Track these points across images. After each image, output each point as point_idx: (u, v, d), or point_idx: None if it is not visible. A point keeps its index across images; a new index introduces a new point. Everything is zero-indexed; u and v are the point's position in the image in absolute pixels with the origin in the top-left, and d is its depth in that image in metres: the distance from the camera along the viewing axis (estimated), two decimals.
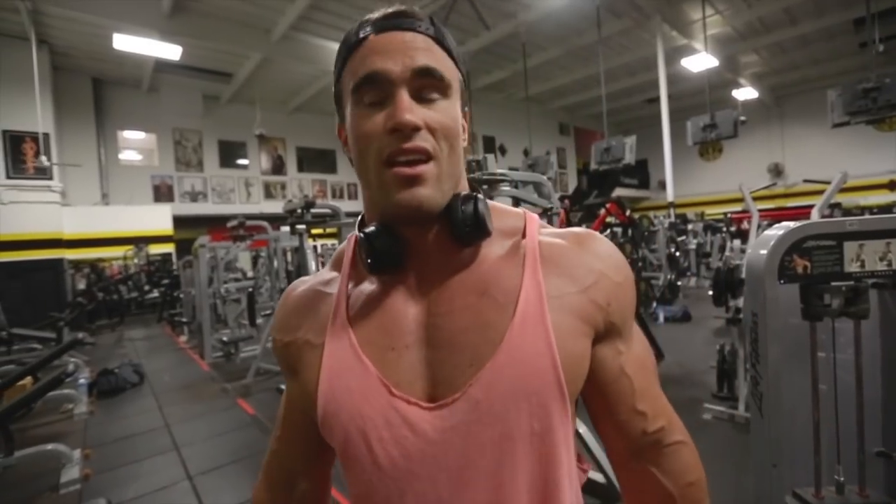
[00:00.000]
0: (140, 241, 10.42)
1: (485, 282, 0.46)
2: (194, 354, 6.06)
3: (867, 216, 1.26)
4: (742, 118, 7.01)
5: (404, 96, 0.42)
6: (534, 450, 0.43)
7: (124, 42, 7.59)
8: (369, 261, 0.47)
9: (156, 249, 10.70)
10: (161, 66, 9.73)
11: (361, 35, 0.45)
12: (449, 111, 0.45)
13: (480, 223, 0.45)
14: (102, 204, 10.63)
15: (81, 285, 9.33)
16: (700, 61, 9.28)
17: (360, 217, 0.53)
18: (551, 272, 0.47)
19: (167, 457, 3.04)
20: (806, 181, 4.52)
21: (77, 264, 9.52)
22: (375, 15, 0.45)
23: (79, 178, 10.12)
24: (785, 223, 1.27)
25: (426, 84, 0.43)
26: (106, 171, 10.97)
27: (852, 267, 1.22)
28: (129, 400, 4.33)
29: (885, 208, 9.07)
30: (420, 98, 0.43)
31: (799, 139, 13.67)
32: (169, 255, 10.91)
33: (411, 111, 0.42)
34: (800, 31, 9.57)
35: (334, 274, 0.54)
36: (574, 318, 0.45)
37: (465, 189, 0.49)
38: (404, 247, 0.47)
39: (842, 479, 1.26)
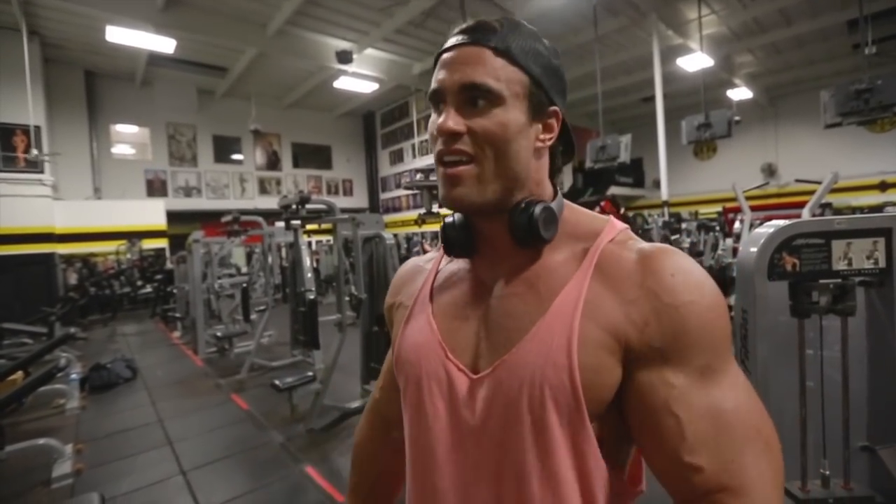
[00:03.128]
0: (133, 236, 10.33)
1: (537, 275, 0.51)
2: (188, 350, 6.03)
3: (856, 216, 1.28)
4: (736, 118, 7.06)
5: (450, 107, 0.48)
6: (538, 438, 0.45)
7: (117, 34, 7.49)
8: (443, 245, 0.57)
9: (149, 244, 10.61)
10: (155, 59, 9.63)
11: (441, 51, 0.51)
12: (497, 118, 0.48)
13: (533, 230, 0.49)
14: (95, 198, 10.54)
15: (73, 280, 9.24)
16: (695, 61, 9.31)
17: None
18: (599, 280, 0.47)
19: (160, 452, 3.04)
20: (798, 181, 4.58)
21: (69, 259, 9.43)
22: (454, 30, 0.51)
23: (71, 171, 10.02)
24: (775, 222, 1.29)
25: (472, 97, 0.48)
26: (98, 165, 10.86)
27: (840, 265, 1.24)
28: (122, 395, 4.31)
29: (876, 209, 9.17)
30: (472, 105, 0.48)
31: (792, 139, 13.77)
32: (162, 250, 10.83)
33: (452, 119, 0.48)
34: (794, 32, 9.62)
35: (437, 254, 0.65)
36: (601, 328, 0.45)
37: (541, 190, 0.53)
38: (474, 238, 0.55)
39: (827, 472, 1.28)
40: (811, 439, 1.30)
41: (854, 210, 10.16)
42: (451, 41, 0.50)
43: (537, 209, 0.49)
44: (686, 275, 0.46)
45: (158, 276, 9.21)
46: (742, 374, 0.47)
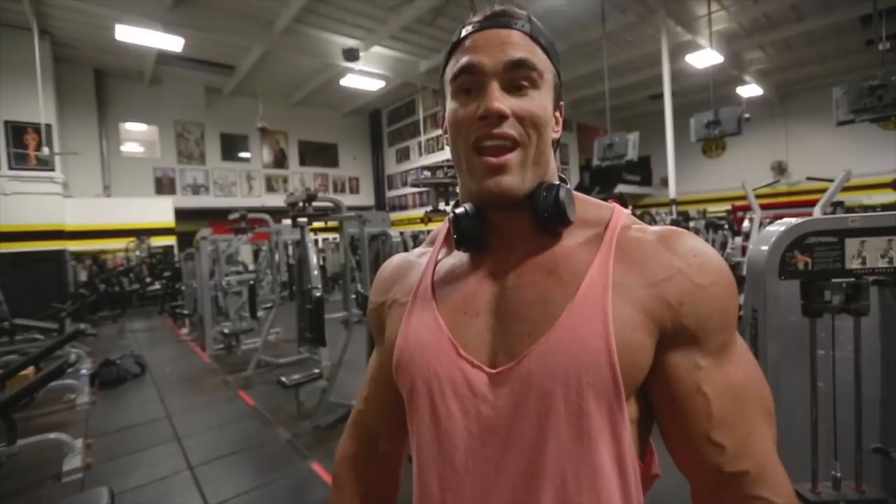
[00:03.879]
0: (142, 234, 10.44)
1: (555, 261, 0.49)
2: (195, 346, 6.09)
3: (870, 213, 1.26)
4: (746, 115, 6.97)
5: (495, 86, 0.46)
6: (577, 427, 0.43)
7: (126, 33, 7.56)
8: (456, 237, 0.52)
9: (157, 242, 10.72)
10: (163, 57, 9.71)
11: (463, 34, 0.50)
12: (538, 101, 0.48)
13: (560, 211, 0.48)
14: (104, 196, 10.65)
15: (83, 277, 9.36)
16: (705, 57, 9.21)
17: (457, 200, 0.57)
18: (622, 261, 0.47)
19: (168, 447, 3.06)
20: (809, 179, 4.52)
21: (79, 256, 9.55)
22: (477, 16, 0.50)
23: (81, 169, 10.13)
24: (787, 219, 1.27)
25: (518, 75, 0.47)
26: (108, 163, 10.98)
27: (853, 264, 1.22)
28: (131, 391, 4.36)
29: (889, 207, 9.03)
30: (511, 88, 0.47)
31: (803, 137, 13.59)
32: (171, 247, 10.93)
33: (500, 100, 0.46)
34: (806, 28, 9.48)
35: (427, 249, 0.61)
36: (636, 309, 0.44)
37: (553, 178, 0.52)
38: (489, 229, 0.52)
39: (839, 474, 1.26)
40: (822, 441, 1.28)
41: (866, 209, 10.01)
42: (476, 25, 0.49)
43: (561, 191, 0.48)
44: (705, 256, 0.47)
45: (167, 274, 9.30)
46: (741, 340, 0.48)
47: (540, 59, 0.48)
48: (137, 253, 10.36)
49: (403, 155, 15.13)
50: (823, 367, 1.32)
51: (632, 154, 7.18)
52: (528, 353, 0.45)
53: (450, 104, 0.50)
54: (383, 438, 0.63)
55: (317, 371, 3.58)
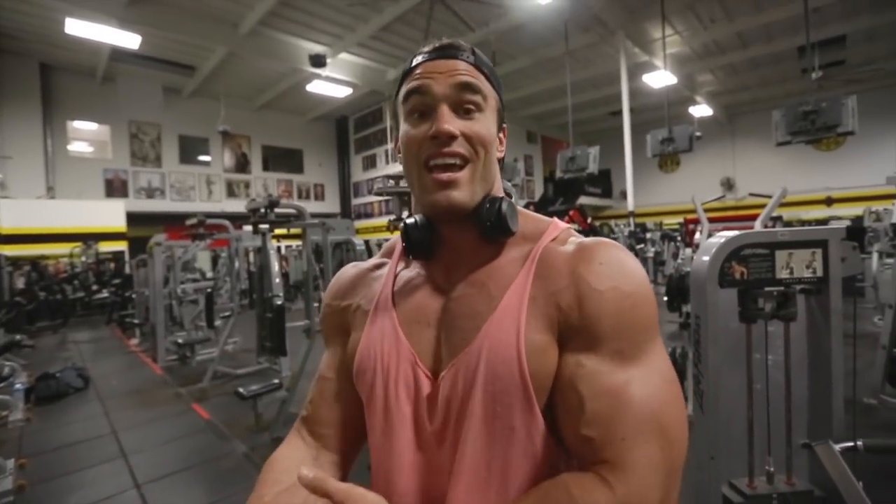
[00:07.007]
0: (89, 238, 9.82)
1: (488, 276, 0.53)
2: (146, 358, 5.77)
3: (796, 228, 1.38)
4: (697, 133, 7.39)
5: (444, 109, 0.51)
6: (493, 429, 0.48)
7: (77, 27, 7.18)
8: (405, 245, 0.56)
9: (107, 247, 10.12)
10: (118, 54, 9.27)
11: (415, 63, 0.54)
12: (484, 122, 0.52)
13: (502, 221, 0.51)
14: (48, 197, 9.97)
15: (20, 284, 8.69)
16: (660, 78, 9.75)
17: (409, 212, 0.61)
18: (540, 274, 0.51)
19: (113, 465, 2.88)
20: (751, 195, 4.85)
21: (16, 261, 8.87)
22: (427, 47, 0.55)
23: (21, 168, 9.47)
24: (725, 232, 1.37)
25: (465, 98, 0.51)
26: (52, 163, 10.31)
27: (783, 274, 1.33)
28: (72, 406, 4.08)
29: (822, 222, 9.79)
30: (459, 111, 0.51)
31: (748, 155, 14.56)
32: (121, 253, 10.34)
33: (450, 122, 0.50)
34: (750, 55, 10.24)
35: (385, 260, 0.65)
36: (542, 319, 0.49)
37: (499, 193, 0.56)
38: (437, 239, 0.56)
39: (772, 469, 1.36)
40: (758, 438, 1.38)
41: (803, 223, 10.82)
42: (426, 56, 0.53)
43: (504, 204, 0.52)
44: (614, 264, 0.48)
45: (116, 281, 8.79)
46: (663, 365, 0.48)
47: (484, 84, 0.53)
48: (83, 258, 9.73)
49: (370, 163, 15.04)
50: (759, 370, 1.42)
51: (593, 167, 7.45)
52: (455, 363, 0.50)
53: (403, 126, 0.54)
54: (328, 444, 0.60)
55: (276, 381, 3.48)
